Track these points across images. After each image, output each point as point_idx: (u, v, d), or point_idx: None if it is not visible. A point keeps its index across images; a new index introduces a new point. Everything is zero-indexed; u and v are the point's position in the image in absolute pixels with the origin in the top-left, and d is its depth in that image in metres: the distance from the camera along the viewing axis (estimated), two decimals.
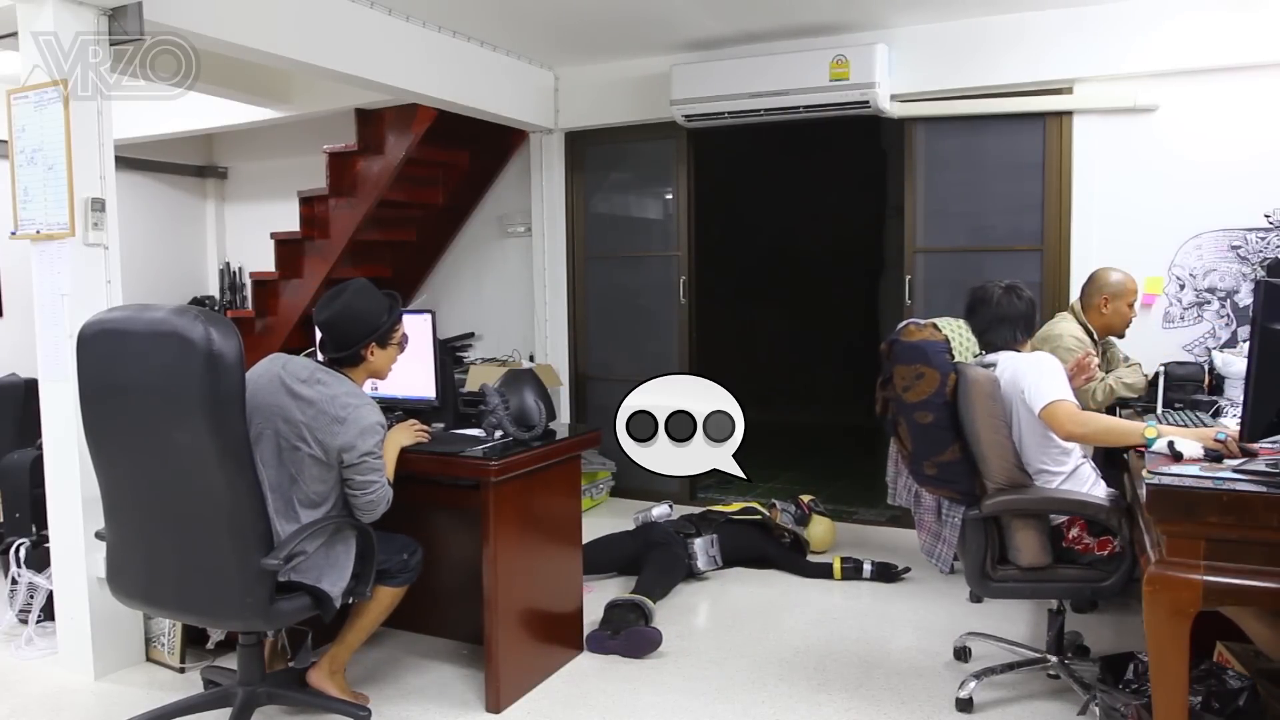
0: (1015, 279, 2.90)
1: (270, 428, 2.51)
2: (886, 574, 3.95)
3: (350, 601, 2.64)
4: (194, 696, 2.69)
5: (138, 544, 2.47)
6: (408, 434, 2.84)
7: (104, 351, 2.37)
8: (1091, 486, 2.69)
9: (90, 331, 2.40)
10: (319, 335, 2.72)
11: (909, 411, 2.74)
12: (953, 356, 2.76)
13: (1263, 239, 3.97)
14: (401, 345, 2.76)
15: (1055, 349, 3.39)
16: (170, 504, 2.39)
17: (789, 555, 4.14)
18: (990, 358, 2.81)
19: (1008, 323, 2.81)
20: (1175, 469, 2.11)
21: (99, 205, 3.01)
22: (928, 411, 2.70)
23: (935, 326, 2.79)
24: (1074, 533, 2.68)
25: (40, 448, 3.23)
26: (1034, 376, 2.63)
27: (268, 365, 2.61)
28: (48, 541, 3.21)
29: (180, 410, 2.26)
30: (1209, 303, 4.08)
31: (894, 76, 4.46)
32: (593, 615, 3.35)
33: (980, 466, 2.69)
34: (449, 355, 5.02)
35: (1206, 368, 3.38)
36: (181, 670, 3.10)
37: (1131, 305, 3.54)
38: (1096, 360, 3.12)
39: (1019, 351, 2.79)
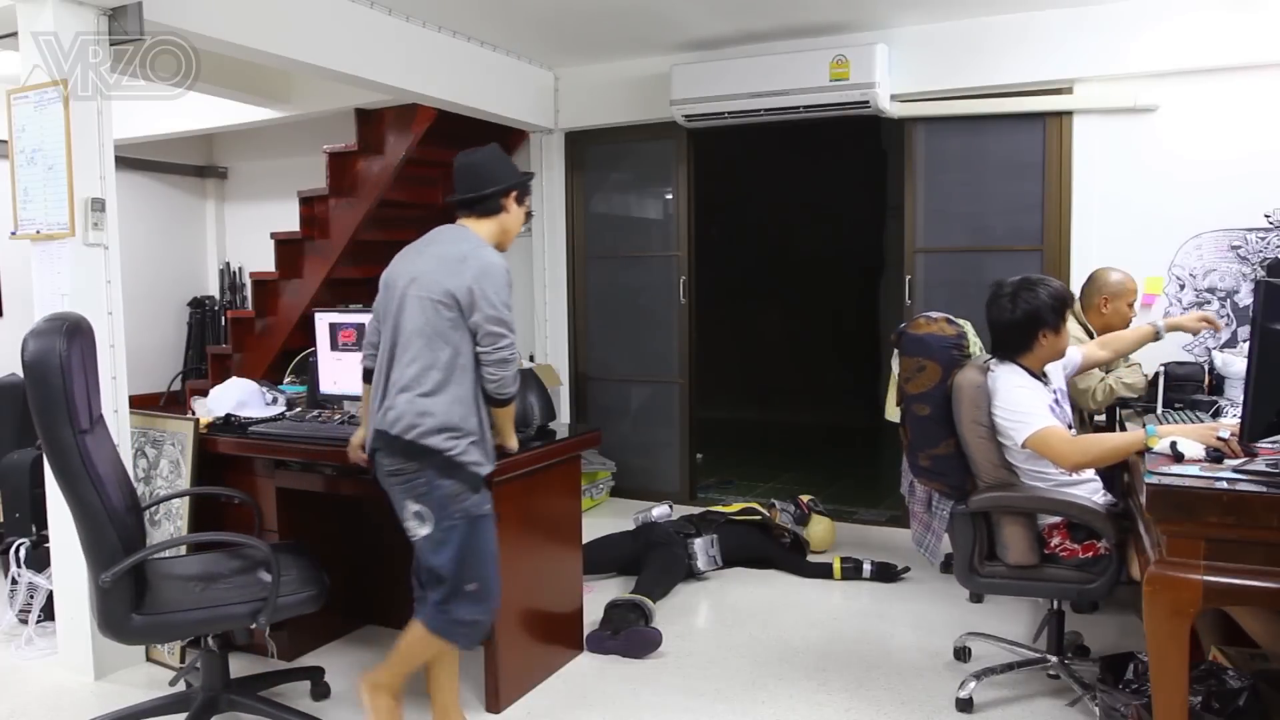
0: (1021, 276, 2.75)
1: (410, 291, 2.45)
2: (886, 574, 3.94)
3: (254, 627, 2.47)
4: (155, 699, 2.69)
5: None
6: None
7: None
8: (1090, 490, 2.69)
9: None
10: (455, 183, 2.60)
11: (909, 402, 2.79)
12: (964, 352, 2.75)
13: (1263, 239, 3.97)
14: (529, 214, 2.69)
15: None
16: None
17: (789, 555, 4.14)
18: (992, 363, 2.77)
19: (993, 332, 2.75)
20: (1175, 469, 2.11)
21: (99, 205, 3.01)
22: (925, 404, 2.72)
23: (949, 321, 2.79)
24: (1055, 540, 2.68)
25: (40, 447, 3.23)
26: (1003, 412, 2.60)
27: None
28: (48, 541, 3.21)
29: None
30: (1209, 303, 4.08)
31: (894, 76, 4.45)
32: (593, 615, 3.35)
33: (971, 464, 2.70)
34: None
35: (1206, 368, 3.38)
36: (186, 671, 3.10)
37: (1131, 305, 3.54)
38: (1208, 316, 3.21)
39: (1015, 364, 2.71)
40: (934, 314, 2.82)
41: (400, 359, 2.42)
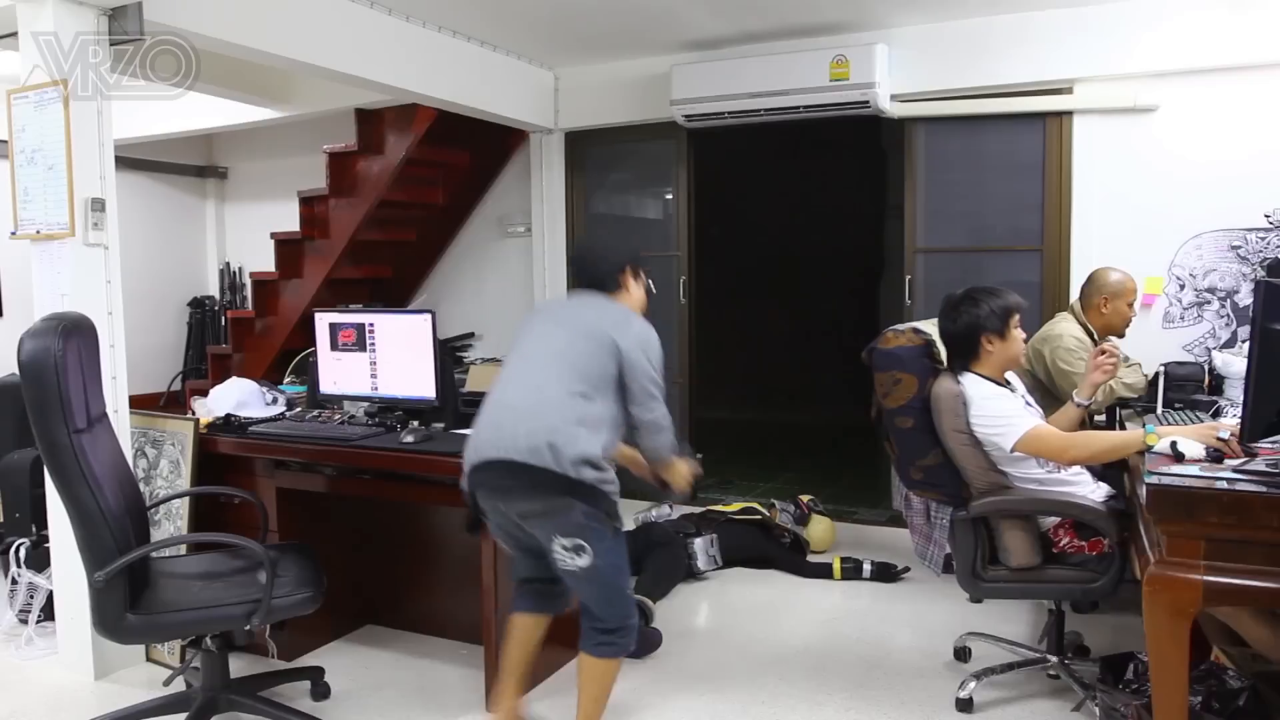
0: (969, 289, 2.73)
1: (564, 324, 2.49)
2: (886, 574, 3.94)
3: (249, 628, 2.47)
4: (155, 699, 2.69)
5: None
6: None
7: None
8: (1086, 489, 2.69)
9: None
10: (573, 274, 2.66)
11: (891, 417, 2.77)
12: (936, 359, 2.75)
13: (1263, 239, 3.97)
14: (649, 288, 2.71)
15: (1055, 349, 3.40)
16: None
17: (789, 555, 4.14)
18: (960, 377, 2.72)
19: (944, 344, 2.76)
20: (1175, 469, 2.11)
21: (99, 205, 3.01)
22: (908, 416, 2.72)
23: (915, 331, 2.78)
24: (1063, 540, 2.68)
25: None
26: (982, 423, 2.59)
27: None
28: (48, 541, 3.21)
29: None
30: (1209, 303, 4.08)
31: (894, 76, 4.45)
32: None
33: (961, 472, 2.69)
34: (449, 355, 5.01)
35: (1206, 368, 3.38)
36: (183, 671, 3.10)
37: (1131, 305, 3.54)
38: (1116, 353, 2.95)
39: (974, 374, 2.69)
40: (900, 326, 2.81)
41: (549, 378, 2.37)
